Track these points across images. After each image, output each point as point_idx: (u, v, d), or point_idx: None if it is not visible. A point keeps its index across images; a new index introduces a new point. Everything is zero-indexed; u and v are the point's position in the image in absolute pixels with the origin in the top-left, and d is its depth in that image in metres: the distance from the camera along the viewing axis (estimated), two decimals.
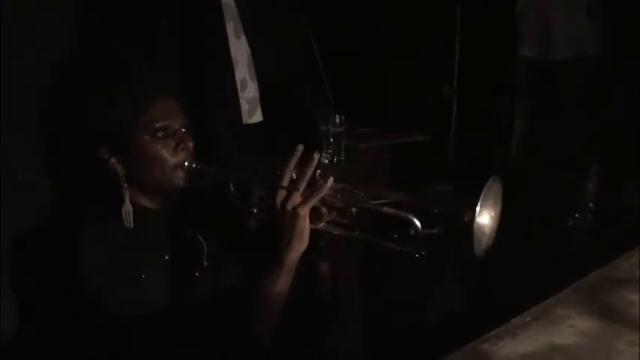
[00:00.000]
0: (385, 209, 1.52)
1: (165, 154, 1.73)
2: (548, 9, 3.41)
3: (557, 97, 3.18)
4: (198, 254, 1.77)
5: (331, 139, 2.75)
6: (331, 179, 1.60)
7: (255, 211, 1.78)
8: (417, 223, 1.48)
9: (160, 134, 1.73)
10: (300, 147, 1.66)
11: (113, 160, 1.75)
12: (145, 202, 1.79)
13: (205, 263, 1.77)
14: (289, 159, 1.64)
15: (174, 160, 1.73)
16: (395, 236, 1.56)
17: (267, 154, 2.57)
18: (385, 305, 2.76)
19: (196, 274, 1.75)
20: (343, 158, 2.79)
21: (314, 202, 1.59)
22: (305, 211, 1.58)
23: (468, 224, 1.41)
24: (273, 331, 1.65)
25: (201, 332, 1.65)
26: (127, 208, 1.71)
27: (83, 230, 1.70)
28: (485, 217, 1.47)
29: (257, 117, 2.66)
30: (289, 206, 1.58)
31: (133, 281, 1.64)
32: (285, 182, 1.61)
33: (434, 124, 3.48)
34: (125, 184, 1.73)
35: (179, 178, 1.74)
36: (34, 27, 1.94)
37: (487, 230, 1.49)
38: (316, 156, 1.63)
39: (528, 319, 1.32)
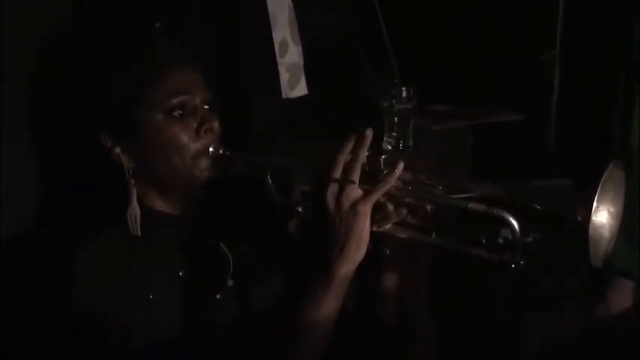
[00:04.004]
0: (471, 205, 1.47)
1: (184, 137, 1.71)
2: None
3: None
4: (222, 270, 1.76)
5: (396, 119, 2.73)
6: (401, 165, 1.54)
7: (299, 210, 1.75)
8: (515, 223, 1.43)
9: (176, 113, 1.71)
10: (369, 132, 1.57)
11: (117, 148, 1.73)
12: (157, 203, 1.78)
13: (230, 282, 1.76)
14: (345, 143, 1.58)
15: (196, 145, 1.71)
16: (483, 241, 1.52)
17: (313, 137, 2.55)
18: (468, 331, 2.72)
19: (217, 296, 1.74)
20: (411, 143, 2.77)
21: (378, 196, 1.54)
22: (366, 209, 1.53)
23: (582, 225, 1.36)
24: None
25: None
26: (134, 210, 1.70)
27: (77, 238, 1.69)
28: (603, 215, 1.43)
29: (300, 89, 2.67)
30: (346, 202, 1.53)
31: (137, 303, 1.62)
32: (339, 173, 1.56)
33: (529, 100, 3.43)
34: (132, 180, 1.72)
35: (202, 168, 1.72)
36: None
37: (606, 232, 1.45)
38: (369, 133, 1.57)
39: None
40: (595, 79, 3.38)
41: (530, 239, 1.49)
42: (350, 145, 1.57)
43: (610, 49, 3.27)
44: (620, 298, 3.02)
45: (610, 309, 3.05)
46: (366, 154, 1.56)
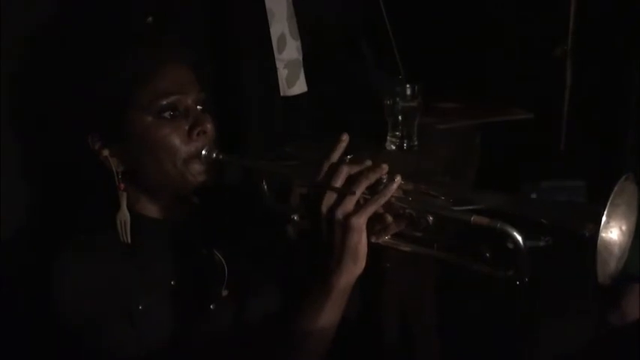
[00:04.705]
0: (474, 218, 1.47)
1: (176, 140, 1.69)
2: None
3: None
4: (216, 280, 1.75)
5: (400, 117, 2.73)
6: (398, 178, 1.53)
7: (295, 218, 1.74)
8: (519, 238, 1.42)
9: (167, 114, 1.70)
10: (345, 136, 1.59)
11: (105, 151, 1.72)
12: (148, 209, 1.78)
13: (225, 292, 1.75)
14: (332, 149, 1.58)
15: (188, 148, 1.70)
16: (487, 255, 1.51)
17: (313, 138, 2.55)
18: (472, 348, 2.72)
19: (211, 306, 1.73)
20: (416, 142, 2.77)
21: (373, 209, 1.52)
22: (360, 222, 1.51)
23: (590, 241, 1.35)
24: None
25: None
26: (123, 216, 1.69)
27: (62, 245, 1.69)
28: (614, 232, 1.42)
29: (299, 87, 2.66)
30: (339, 214, 1.51)
31: (125, 314, 1.62)
32: (339, 181, 1.53)
33: (539, 98, 3.42)
34: (121, 184, 1.72)
35: (195, 172, 1.71)
36: None
37: (616, 249, 1.44)
38: (385, 166, 1.56)
39: None
40: (608, 76, 3.37)
41: (542, 243, 1.49)
42: (337, 153, 1.58)
43: (624, 44, 3.26)
44: (634, 304, 3.01)
45: (624, 316, 3.04)
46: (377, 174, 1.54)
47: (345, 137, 1.59)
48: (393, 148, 2.74)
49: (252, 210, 1.88)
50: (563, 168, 3.38)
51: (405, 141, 2.74)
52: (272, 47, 2.53)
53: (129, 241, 1.69)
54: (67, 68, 1.81)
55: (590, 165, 3.25)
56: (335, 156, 1.58)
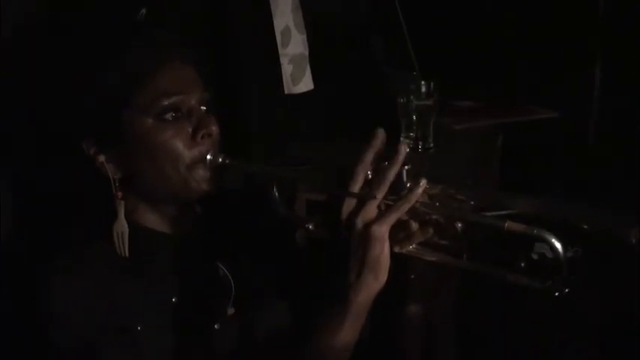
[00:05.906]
0: (508, 224, 1.45)
1: (179, 144, 1.68)
2: None
3: None
4: (221, 296, 1.76)
5: (414, 117, 2.73)
6: (424, 181, 1.51)
7: (310, 227, 1.73)
8: (558, 246, 1.42)
9: (169, 116, 1.69)
10: (381, 132, 1.57)
11: (101, 157, 1.71)
12: (147, 219, 1.77)
13: (231, 310, 1.75)
14: (364, 151, 1.56)
15: (192, 152, 1.69)
16: (522, 265, 1.51)
17: (319, 139, 2.56)
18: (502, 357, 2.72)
19: (216, 326, 1.73)
20: (432, 144, 2.77)
21: (397, 216, 1.50)
22: (382, 231, 1.49)
23: (636, 248, 1.36)
24: None
25: None
26: (121, 227, 1.69)
27: (54, 258, 1.68)
28: None
29: (305, 84, 2.66)
30: (360, 223, 1.50)
31: (123, 334, 1.62)
32: (356, 187, 1.53)
33: (566, 95, 3.42)
34: (119, 193, 1.71)
35: (199, 179, 1.70)
36: None
37: None
38: (403, 148, 1.57)
39: None
40: None
41: (570, 254, 1.49)
42: (371, 155, 1.55)
43: None
44: None
45: None
46: (397, 167, 1.53)
47: (382, 134, 1.58)
48: (407, 150, 2.73)
49: (258, 219, 1.88)
50: (590, 173, 3.38)
51: (420, 142, 2.75)
52: (275, 41, 2.53)
53: (126, 254, 1.68)
54: (60, 69, 1.81)
55: (620, 167, 3.25)
56: (366, 158, 1.55)
